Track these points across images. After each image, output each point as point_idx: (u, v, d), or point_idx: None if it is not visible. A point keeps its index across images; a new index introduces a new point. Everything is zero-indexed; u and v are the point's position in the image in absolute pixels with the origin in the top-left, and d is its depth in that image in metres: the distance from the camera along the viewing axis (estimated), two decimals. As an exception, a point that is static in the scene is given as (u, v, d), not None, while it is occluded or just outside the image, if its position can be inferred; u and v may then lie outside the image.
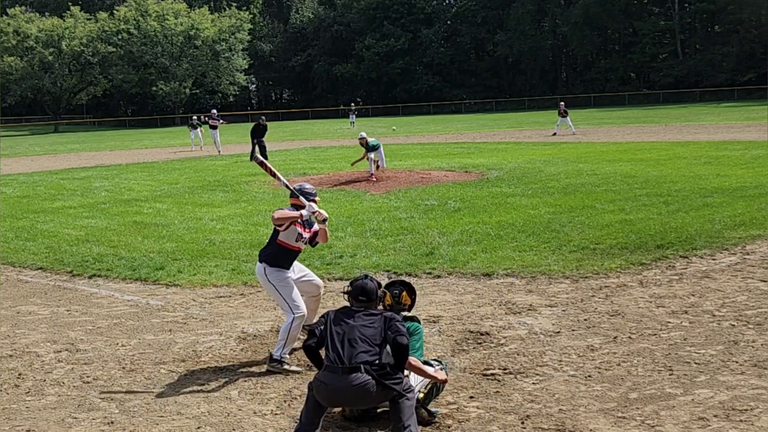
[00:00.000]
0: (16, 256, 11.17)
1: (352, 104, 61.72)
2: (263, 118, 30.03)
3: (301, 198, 6.06)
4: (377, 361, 4.57)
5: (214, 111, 37.84)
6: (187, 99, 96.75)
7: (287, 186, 6.18)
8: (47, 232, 13.20)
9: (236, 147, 36.27)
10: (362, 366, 4.51)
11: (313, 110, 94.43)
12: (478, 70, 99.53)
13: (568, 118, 36.33)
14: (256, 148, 27.91)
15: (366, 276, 5.06)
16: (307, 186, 6.25)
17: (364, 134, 19.89)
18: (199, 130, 37.57)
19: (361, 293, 4.90)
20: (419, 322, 5.33)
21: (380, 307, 5.16)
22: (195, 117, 42.06)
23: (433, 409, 4.99)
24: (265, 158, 27.26)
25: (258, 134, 28.28)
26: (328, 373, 4.57)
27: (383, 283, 5.31)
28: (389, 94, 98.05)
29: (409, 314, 5.46)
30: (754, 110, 46.95)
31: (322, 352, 4.80)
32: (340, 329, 4.70)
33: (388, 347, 4.69)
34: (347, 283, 5.13)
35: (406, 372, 4.76)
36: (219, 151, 33.04)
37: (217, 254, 10.49)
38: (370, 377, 4.50)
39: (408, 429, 4.49)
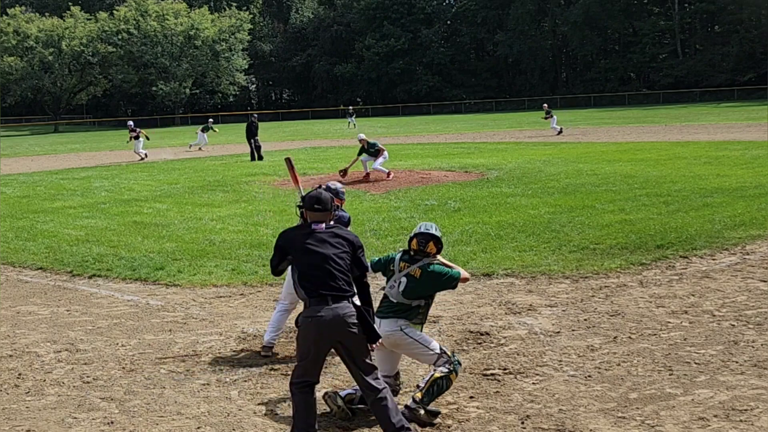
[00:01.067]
0: (16, 256, 11.17)
1: (351, 107, 60.37)
2: (255, 116, 30.04)
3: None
4: (353, 290, 4.65)
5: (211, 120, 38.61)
6: (187, 99, 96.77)
7: (300, 194, 5.53)
8: (47, 232, 13.20)
9: (237, 147, 36.26)
10: (347, 296, 4.55)
11: (313, 110, 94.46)
12: (478, 70, 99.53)
13: (553, 118, 36.51)
14: (253, 147, 27.94)
15: (320, 186, 5.13)
16: (338, 185, 6.45)
17: (363, 135, 19.90)
18: (205, 134, 38.34)
19: (316, 203, 4.82)
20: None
21: (407, 251, 5.26)
22: (211, 120, 43.12)
23: (433, 409, 4.95)
24: (260, 158, 27.28)
25: (252, 133, 28.17)
26: (314, 306, 4.52)
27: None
28: (389, 94, 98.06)
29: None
30: (754, 110, 46.96)
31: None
32: (313, 260, 4.61)
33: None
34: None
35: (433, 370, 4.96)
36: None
37: (217, 254, 10.49)
38: (352, 306, 4.55)
39: (401, 424, 4.49)
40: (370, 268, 5.04)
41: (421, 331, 5.22)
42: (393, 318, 5.13)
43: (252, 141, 27.92)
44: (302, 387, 4.58)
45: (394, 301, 5.18)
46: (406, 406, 4.88)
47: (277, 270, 4.93)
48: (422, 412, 4.87)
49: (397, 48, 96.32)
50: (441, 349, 5.14)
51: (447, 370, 5.03)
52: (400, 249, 5.57)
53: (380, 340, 4.80)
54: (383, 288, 5.31)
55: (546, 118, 36.95)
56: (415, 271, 5.16)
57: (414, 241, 5.27)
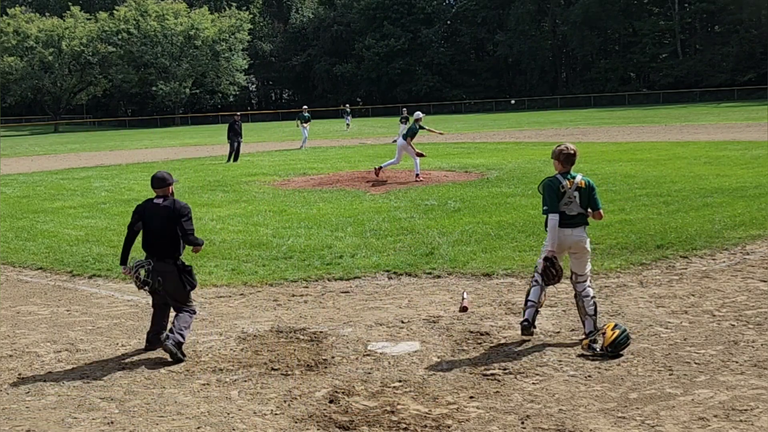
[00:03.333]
0: (16, 256, 11.17)
1: (347, 105, 58.74)
2: (238, 115, 29.63)
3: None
4: (179, 252, 6.39)
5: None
6: (187, 99, 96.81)
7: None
8: (47, 232, 13.20)
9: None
10: (168, 258, 6.34)
11: (313, 110, 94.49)
12: (478, 70, 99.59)
13: None
14: (233, 148, 27.59)
15: (159, 171, 6.52)
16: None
17: (420, 114, 19.45)
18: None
19: (156, 183, 6.40)
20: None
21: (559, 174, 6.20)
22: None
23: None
24: (236, 159, 27.03)
25: (236, 133, 27.67)
26: (144, 260, 6.39)
27: None
28: (389, 94, 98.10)
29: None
30: (754, 110, 46.97)
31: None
32: (150, 227, 6.36)
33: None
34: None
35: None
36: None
37: (217, 254, 10.49)
38: (175, 267, 6.33)
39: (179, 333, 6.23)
40: None
41: None
42: (581, 226, 6.22)
43: (235, 141, 27.50)
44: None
45: (575, 213, 6.17)
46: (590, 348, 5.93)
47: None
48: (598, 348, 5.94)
49: (397, 48, 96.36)
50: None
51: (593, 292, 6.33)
52: (556, 174, 6.29)
53: (572, 246, 6.21)
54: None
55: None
56: (581, 182, 6.19)
57: (559, 165, 6.26)
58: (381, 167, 19.00)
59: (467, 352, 6.19)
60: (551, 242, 6.21)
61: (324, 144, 37.18)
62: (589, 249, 6.30)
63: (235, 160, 27.38)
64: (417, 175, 18.25)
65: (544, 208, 6.20)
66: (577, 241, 6.21)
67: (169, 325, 6.43)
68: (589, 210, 6.27)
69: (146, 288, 6.45)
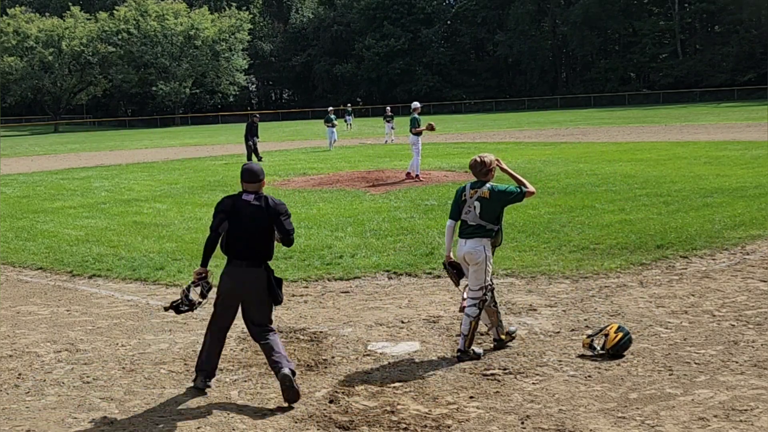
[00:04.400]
0: (16, 256, 11.17)
1: (349, 104, 58.00)
2: (257, 116, 29.41)
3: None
4: (270, 254, 5.49)
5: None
6: (187, 99, 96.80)
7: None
8: (47, 232, 13.20)
9: (237, 147, 36.28)
10: (261, 262, 5.42)
11: (313, 110, 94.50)
12: (478, 70, 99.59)
13: None
14: (252, 149, 27.51)
15: (250, 162, 5.62)
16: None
17: (417, 104, 19.57)
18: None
19: (248, 176, 5.49)
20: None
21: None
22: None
23: (477, 350, 6.00)
24: (259, 159, 26.90)
25: (252, 133, 27.59)
26: (233, 267, 5.44)
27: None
28: (389, 94, 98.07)
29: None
30: (754, 110, 46.96)
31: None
32: (241, 228, 5.41)
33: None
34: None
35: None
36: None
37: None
38: (266, 273, 5.43)
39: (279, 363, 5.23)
40: None
41: (492, 255, 6.10)
42: (477, 238, 5.98)
43: (251, 141, 27.40)
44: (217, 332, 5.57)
45: (473, 224, 5.98)
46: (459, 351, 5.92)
47: None
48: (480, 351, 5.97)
49: (397, 48, 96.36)
50: (490, 284, 6.02)
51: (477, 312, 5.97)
52: (469, 182, 6.23)
53: (464, 256, 5.95)
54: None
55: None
56: (485, 192, 5.98)
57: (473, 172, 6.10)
58: (416, 174, 18.31)
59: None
60: (446, 248, 6.28)
61: (324, 144, 37.19)
62: (485, 263, 5.96)
63: (259, 159, 26.80)
64: (417, 175, 18.24)
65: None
66: (469, 252, 5.95)
67: (272, 358, 5.36)
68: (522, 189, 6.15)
69: (187, 309, 5.67)
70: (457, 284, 6.20)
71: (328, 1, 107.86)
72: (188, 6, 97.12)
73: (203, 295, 5.56)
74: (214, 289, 5.64)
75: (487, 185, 5.99)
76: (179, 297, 5.66)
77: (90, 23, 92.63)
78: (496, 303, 6.13)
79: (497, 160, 6.19)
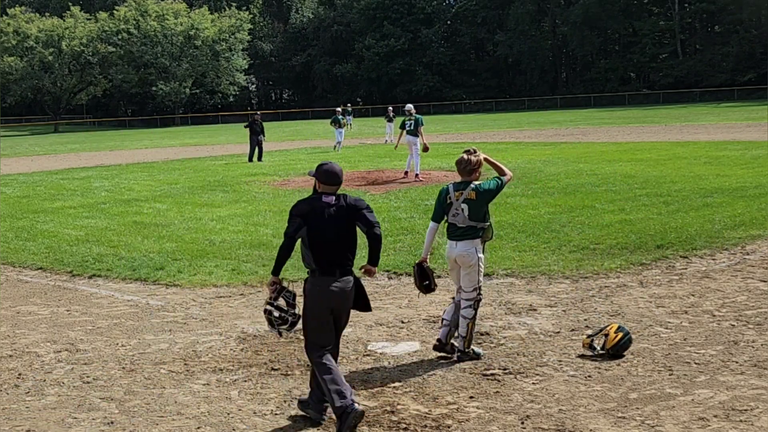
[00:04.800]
0: (16, 256, 11.17)
1: (349, 104, 56.63)
2: (258, 114, 29.87)
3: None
4: (353, 257, 5.01)
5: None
6: (187, 99, 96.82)
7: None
8: (47, 232, 13.20)
9: (237, 147, 36.28)
10: (352, 270, 4.95)
11: (313, 110, 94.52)
12: (478, 70, 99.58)
13: None
14: (255, 148, 27.66)
15: (329, 162, 5.10)
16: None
17: (410, 106, 19.68)
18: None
19: (331, 177, 5.01)
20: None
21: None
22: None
23: (477, 350, 5.93)
24: (259, 159, 26.98)
25: (256, 132, 27.79)
26: (325, 278, 4.88)
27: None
28: (389, 94, 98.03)
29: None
30: (754, 110, 46.97)
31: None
32: (323, 235, 4.88)
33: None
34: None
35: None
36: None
37: (217, 254, 10.49)
38: (353, 278, 4.96)
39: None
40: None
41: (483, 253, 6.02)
42: (468, 240, 5.88)
43: (256, 140, 27.48)
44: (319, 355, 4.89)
45: (464, 225, 5.88)
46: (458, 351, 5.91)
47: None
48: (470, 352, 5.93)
49: (397, 48, 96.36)
50: (480, 285, 5.98)
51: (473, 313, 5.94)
52: (451, 182, 6.13)
53: (456, 259, 5.86)
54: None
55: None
56: (471, 194, 5.88)
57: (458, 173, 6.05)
58: (416, 173, 18.37)
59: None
60: (424, 249, 6.16)
61: (324, 144, 37.19)
62: (477, 265, 5.89)
63: (259, 159, 27.06)
64: (417, 174, 18.28)
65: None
66: (461, 255, 5.86)
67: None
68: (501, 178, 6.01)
69: (287, 327, 5.06)
70: (420, 290, 6.03)
71: (328, 1, 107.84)
72: (188, 6, 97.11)
73: (292, 305, 5.03)
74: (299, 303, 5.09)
75: (472, 185, 5.89)
76: (268, 319, 5.11)
77: (90, 23, 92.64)
78: (475, 316, 5.99)
79: (484, 156, 6.06)
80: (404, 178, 18.43)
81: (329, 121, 33.79)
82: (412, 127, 18.89)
